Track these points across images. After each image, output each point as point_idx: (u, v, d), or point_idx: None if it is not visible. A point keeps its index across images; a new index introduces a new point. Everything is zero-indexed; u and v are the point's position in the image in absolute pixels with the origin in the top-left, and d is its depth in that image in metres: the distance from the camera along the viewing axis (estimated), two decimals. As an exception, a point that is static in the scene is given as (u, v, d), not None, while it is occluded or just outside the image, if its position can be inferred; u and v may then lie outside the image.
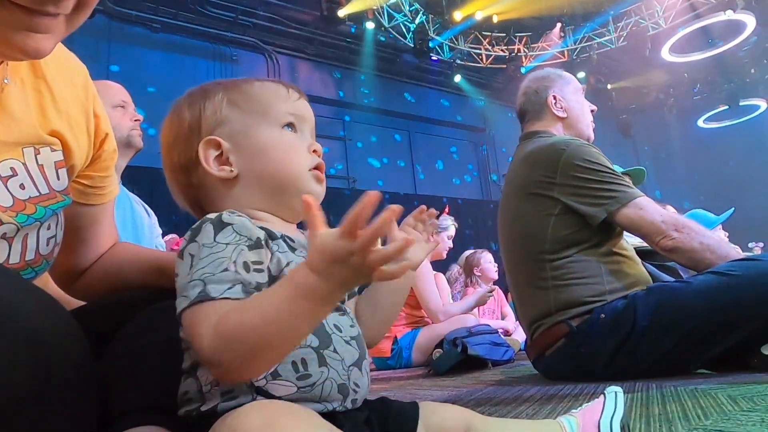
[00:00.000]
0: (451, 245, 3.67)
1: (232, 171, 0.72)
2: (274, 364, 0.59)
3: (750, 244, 6.03)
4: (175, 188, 0.78)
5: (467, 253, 4.41)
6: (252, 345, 0.53)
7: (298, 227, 0.78)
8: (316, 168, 0.75)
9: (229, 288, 0.58)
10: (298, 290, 0.53)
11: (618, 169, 1.81)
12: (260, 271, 0.62)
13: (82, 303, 0.95)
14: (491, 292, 3.56)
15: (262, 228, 0.65)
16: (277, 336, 0.53)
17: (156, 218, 2.18)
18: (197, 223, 0.64)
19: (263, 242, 0.64)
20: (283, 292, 0.54)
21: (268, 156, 0.73)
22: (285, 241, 0.68)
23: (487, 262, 4.23)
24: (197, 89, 0.78)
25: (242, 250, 0.61)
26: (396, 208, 0.51)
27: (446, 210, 3.78)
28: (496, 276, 4.24)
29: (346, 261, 0.51)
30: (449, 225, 3.60)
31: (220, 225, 0.62)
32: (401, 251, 0.51)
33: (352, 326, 0.70)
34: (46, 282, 0.96)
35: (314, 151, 0.76)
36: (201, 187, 0.75)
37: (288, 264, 0.65)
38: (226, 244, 0.61)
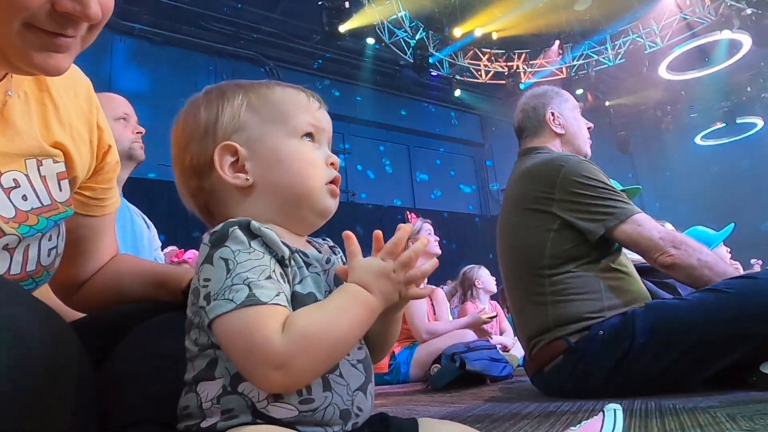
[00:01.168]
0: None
1: (247, 179, 0.70)
2: (330, 366, 0.63)
3: (752, 261, 6.05)
4: (185, 191, 0.75)
5: (465, 269, 4.41)
6: (327, 345, 0.59)
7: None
8: (332, 182, 0.74)
9: (276, 295, 0.59)
10: (354, 300, 0.62)
11: (616, 185, 1.82)
12: (289, 285, 0.64)
13: (82, 315, 0.95)
14: (493, 317, 3.54)
15: (284, 244, 0.65)
16: (345, 338, 0.60)
17: (156, 230, 2.18)
18: (220, 227, 0.63)
19: (287, 260, 0.64)
20: (344, 301, 0.62)
21: (285, 167, 0.71)
22: (300, 256, 0.67)
23: (487, 275, 4.24)
24: (215, 89, 0.75)
25: (276, 263, 0.62)
26: (425, 240, 0.71)
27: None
28: (495, 289, 4.24)
29: (390, 276, 0.65)
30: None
31: (250, 233, 0.62)
32: (431, 271, 0.68)
33: (359, 348, 0.69)
34: (46, 293, 0.96)
35: (332, 164, 0.74)
36: (213, 192, 0.72)
37: (301, 281, 0.65)
38: (262, 253, 0.61)
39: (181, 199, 0.77)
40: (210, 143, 0.71)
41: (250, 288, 0.57)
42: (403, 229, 0.68)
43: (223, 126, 0.72)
